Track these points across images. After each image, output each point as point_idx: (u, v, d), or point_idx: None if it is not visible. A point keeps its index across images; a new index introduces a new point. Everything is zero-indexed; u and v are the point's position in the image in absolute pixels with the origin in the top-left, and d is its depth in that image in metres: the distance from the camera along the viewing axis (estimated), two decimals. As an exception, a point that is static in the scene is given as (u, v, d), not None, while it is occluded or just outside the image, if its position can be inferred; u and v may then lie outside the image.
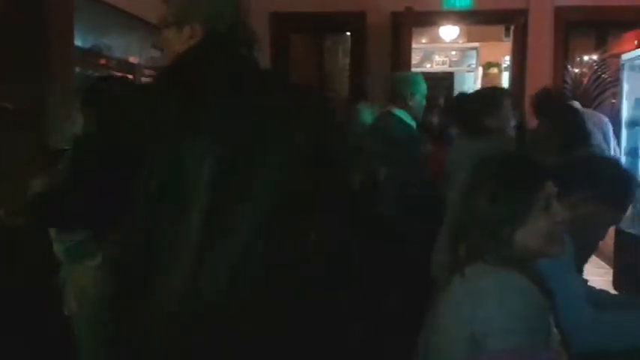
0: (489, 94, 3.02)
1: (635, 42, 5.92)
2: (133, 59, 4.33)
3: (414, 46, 8.03)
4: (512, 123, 2.84)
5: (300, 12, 6.25)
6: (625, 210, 1.93)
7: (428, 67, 9.09)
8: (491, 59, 8.91)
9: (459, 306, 1.35)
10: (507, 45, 6.76)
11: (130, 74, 4.18)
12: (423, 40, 8.65)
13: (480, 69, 9.16)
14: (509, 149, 2.59)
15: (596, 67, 6.60)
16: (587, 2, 6.06)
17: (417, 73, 4.04)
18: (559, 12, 6.16)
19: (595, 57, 6.66)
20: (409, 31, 5.97)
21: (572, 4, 6.10)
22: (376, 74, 6.24)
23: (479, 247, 1.40)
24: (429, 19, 6.34)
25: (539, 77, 6.15)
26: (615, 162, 2.01)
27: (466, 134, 2.86)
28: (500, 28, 7.11)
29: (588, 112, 4.45)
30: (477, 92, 3.19)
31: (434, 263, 2.63)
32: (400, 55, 5.98)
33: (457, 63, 9.38)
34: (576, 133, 2.86)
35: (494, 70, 8.91)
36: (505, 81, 7.58)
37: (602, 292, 1.94)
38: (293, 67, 6.66)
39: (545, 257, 1.45)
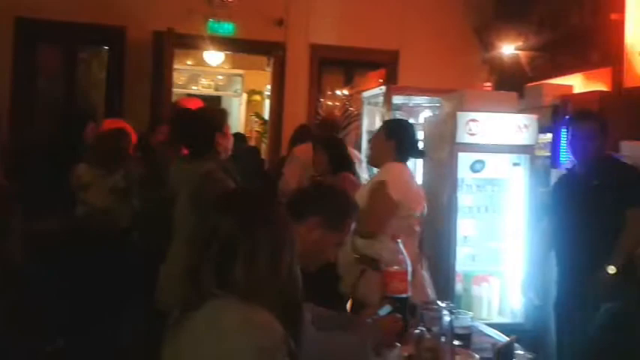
0: (218, 113, 3.01)
1: (380, 81, 6.68)
2: None
3: (179, 67, 7.98)
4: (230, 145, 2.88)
5: (51, 20, 5.78)
6: (346, 234, 2.09)
7: (194, 90, 9.08)
8: (255, 87, 9.24)
9: (201, 342, 1.29)
10: (269, 74, 7.08)
11: None
12: (189, 62, 8.63)
13: (245, 95, 9.44)
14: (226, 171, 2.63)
15: (345, 101, 7.28)
16: (337, 42, 6.65)
17: None
18: (313, 49, 6.66)
19: (345, 92, 7.34)
20: (171, 51, 5.90)
21: (324, 43, 6.64)
22: (135, 92, 6.04)
23: (223, 278, 1.35)
24: (191, 42, 6.34)
25: (296, 107, 6.58)
26: (338, 189, 2.18)
27: (187, 155, 2.76)
28: (263, 58, 7.41)
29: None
30: (200, 112, 3.07)
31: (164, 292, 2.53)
32: (161, 75, 5.86)
33: (224, 87, 9.53)
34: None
35: (258, 98, 9.26)
36: (267, 108, 7.93)
37: (326, 313, 2.09)
38: (40, 77, 6.11)
39: None
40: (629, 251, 2.77)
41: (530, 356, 1.74)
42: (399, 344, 1.87)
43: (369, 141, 3.37)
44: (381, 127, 3.22)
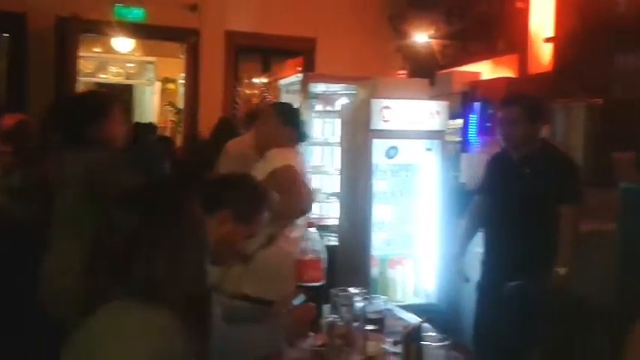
0: (96, 99, 2.74)
1: (298, 69, 6.64)
2: None
3: (86, 54, 7.60)
4: (123, 133, 2.65)
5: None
6: (259, 225, 2.01)
7: (103, 78, 8.69)
8: (169, 75, 8.96)
9: (98, 348, 1.21)
10: (184, 62, 6.88)
11: None
12: (96, 49, 8.23)
13: (158, 83, 9.14)
14: (118, 162, 2.47)
15: (263, 90, 7.22)
16: (254, 29, 6.55)
17: None
18: (229, 35, 6.52)
19: (264, 80, 7.27)
20: (75, 38, 5.61)
21: (240, 30, 6.52)
22: (39, 81, 5.70)
23: (122, 279, 1.27)
24: (98, 28, 6.04)
25: (212, 95, 6.43)
26: (250, 180, 2.10)
27: (70, 145, 2.52)
28: (176, 45, 7.19)
29: None
30: (81, 97, 2.80)
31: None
32: (66, 63, 5.55)
33: (135, 76, 9.17)
34: None
35: (172, 86, 8.99)
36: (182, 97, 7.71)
37: (237, 305, 2.04)
38: None
39: None
40: (573, 250, 2.75)
41: (440, 337, 1.76)
42: (312, 333, 1.85)
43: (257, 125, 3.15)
44: (273, 112, 3.09)
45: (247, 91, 7.42)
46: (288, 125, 2.96)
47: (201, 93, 6.47)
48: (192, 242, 1.35)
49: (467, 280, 3.11)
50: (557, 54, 4.59)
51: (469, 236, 3.19)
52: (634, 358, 1.90)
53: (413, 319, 2.22)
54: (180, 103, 7.72)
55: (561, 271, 2.68)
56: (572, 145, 3.84)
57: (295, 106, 5.10)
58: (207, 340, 1.47)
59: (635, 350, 1.93)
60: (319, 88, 5.13)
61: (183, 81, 7.37)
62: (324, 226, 4.61)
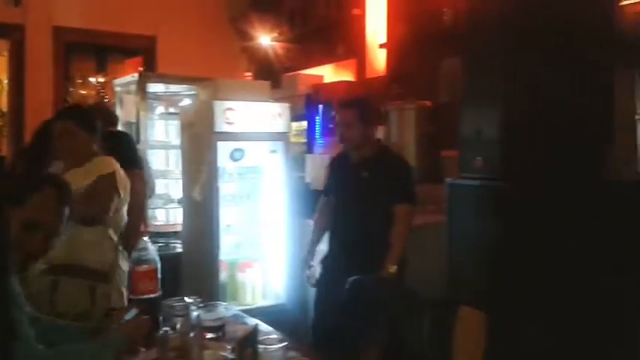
0: None
1: (140, 69, 6.32)
2: None
3: None
4: None
5: None
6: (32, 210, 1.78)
7: None
8: (-10, 74, 8.08)
9: None
10: (6, 60, 6.23)
11: None
12: None
13: (-23, 83, 8.21)
14: None
15: (99, 90, 6.80)
16: (86, 25, 6.11)
17: None
18: (57, 31, 6.03)
19: (100, 79, 6.84)
20: None
21: (70, 26, 6.05)
22: None
23: None
24: None
25: (39, 96, 5.90)
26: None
27: None
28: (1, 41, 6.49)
29: None
30: None
31: None
32: None
33: (-51, 75, 8.14)
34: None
35: (-7, 86, 8.12)
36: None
37: (62, 324, 1.88)
38: None
39: None
40: (403, 249, 2.86)
41: (279, 338, 1.76)
42: (143, 349, 1.74)
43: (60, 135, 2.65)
44: (71, 118, 2.66)
45: (82, 92, 6.93)
46: (90, 133, 2.65)
47: (27, 94, 5.91)
48: None
49: (317, 284, 3.16)
50: (390, 59, 4.87)
51: (316, 238, 3.24)
52: (460, 338, 2.06)
53: (256, 322, 2.21)
54: (4, 106, 6.99)
55: (391, 268, 2.80)
56: (405, 144, 4.10)
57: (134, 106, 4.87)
58: None
59: (462, 330, 2.11)
60: (159, 88, 4.93)
61: (7, 81, 6.68)
62: (170, 232, 4.46)
